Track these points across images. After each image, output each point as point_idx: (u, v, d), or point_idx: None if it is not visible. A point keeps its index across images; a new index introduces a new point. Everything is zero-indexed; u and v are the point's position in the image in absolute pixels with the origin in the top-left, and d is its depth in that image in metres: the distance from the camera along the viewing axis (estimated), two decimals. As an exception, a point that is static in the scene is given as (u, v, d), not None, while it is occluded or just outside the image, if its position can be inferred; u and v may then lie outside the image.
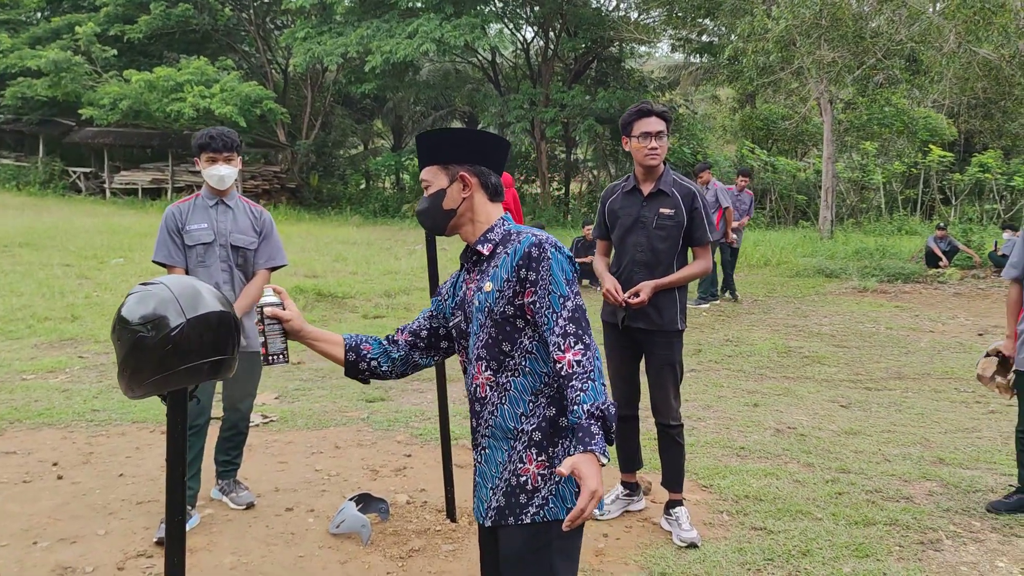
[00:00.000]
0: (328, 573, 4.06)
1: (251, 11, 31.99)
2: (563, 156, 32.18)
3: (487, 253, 2.47)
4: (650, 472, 5.24)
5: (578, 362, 2.27)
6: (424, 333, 2.68)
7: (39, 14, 33.73)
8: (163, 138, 29.36)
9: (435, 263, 4.56)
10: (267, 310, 2.51)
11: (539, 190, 30.49)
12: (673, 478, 4.59)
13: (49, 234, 17.32)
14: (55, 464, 5.48)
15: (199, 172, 4.67)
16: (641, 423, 4.88)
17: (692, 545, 4.33)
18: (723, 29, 26.38)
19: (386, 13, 26.33)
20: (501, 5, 29.18)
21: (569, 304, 2.32)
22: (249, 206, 4.80)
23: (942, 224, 17.31)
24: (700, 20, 26.84)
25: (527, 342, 2.41)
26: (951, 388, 7.82)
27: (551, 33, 29.56)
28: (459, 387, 6.81)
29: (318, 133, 32.32)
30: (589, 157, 34.37)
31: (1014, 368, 4.95)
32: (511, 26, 30.26)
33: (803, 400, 7.35)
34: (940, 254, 16.06)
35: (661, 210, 4.46)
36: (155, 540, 4.33)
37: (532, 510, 2.39)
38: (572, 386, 2.25)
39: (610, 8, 30.14)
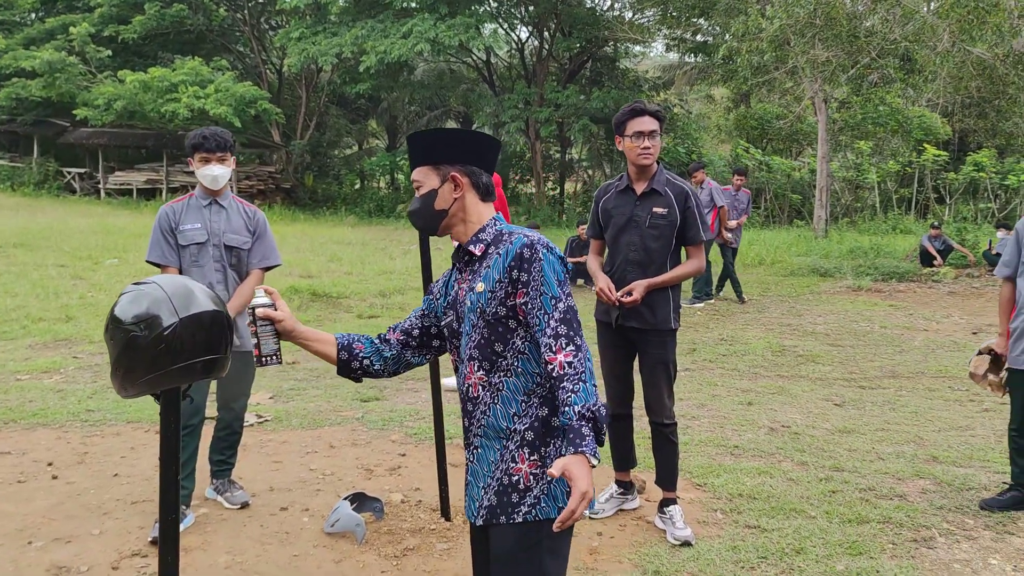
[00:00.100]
0: (323, 572, 4.07)
1: (246, 11, 31.96)
2: (558, 156, 32.24)
3: (479, 253, 2.48)
4: (644, 471, 5.25)
5: (569, 363, 2.27)
6: (416, 332, 2.68)
7: (33, 15, 33.69)
8: (158, 138, 29.32)
9: (429, 263, 4.56)
10: (259, 311, 2.51)
11: (534, 190, 30.52)
12: (667, 477, 4.60)
13: (44, 235, 17.30)
14: (50, 464, 5.47)
15: (193, 172, 4.68)
16: (635, 422, 4.89)
17: (686, 543, 4.34)
18: (717, 28, 26.43)
19: (380, 13, 26.33)
20: (496, 5, 29.20)
21: (560, 305, 2.33)
22: (243, 206, 4.80)
23: (936, 223, 17.35)
24: (694, 20, 26.86)
25: (519, 343, 2.42)
26: (945, 386, 7.84)
27: (546, 33, 29.59)
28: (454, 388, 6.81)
29: (313, 133, 32.31)
30: (584, 157, 34.44)
31: (1007, 366, 4.97)
32: (505, 26, 30.31)
33: (797, 399, 7.36)
34: (934, 253, 16.09)
35: (654, 209, 4.47)
36: (150, 539, 4.33)
37: (524, 509, 2.39)
38: (563, 387, 2.26)
39: (604, 8, 30.19)
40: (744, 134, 28.03)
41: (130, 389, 2.22)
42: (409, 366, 2.72)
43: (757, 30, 18.56)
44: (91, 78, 28.70)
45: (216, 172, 4.59)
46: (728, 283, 13.16)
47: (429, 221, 2.53)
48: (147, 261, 4.62)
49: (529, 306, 2.36)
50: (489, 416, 2.44)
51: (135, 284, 2.26)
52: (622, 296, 4.39)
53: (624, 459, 4.83)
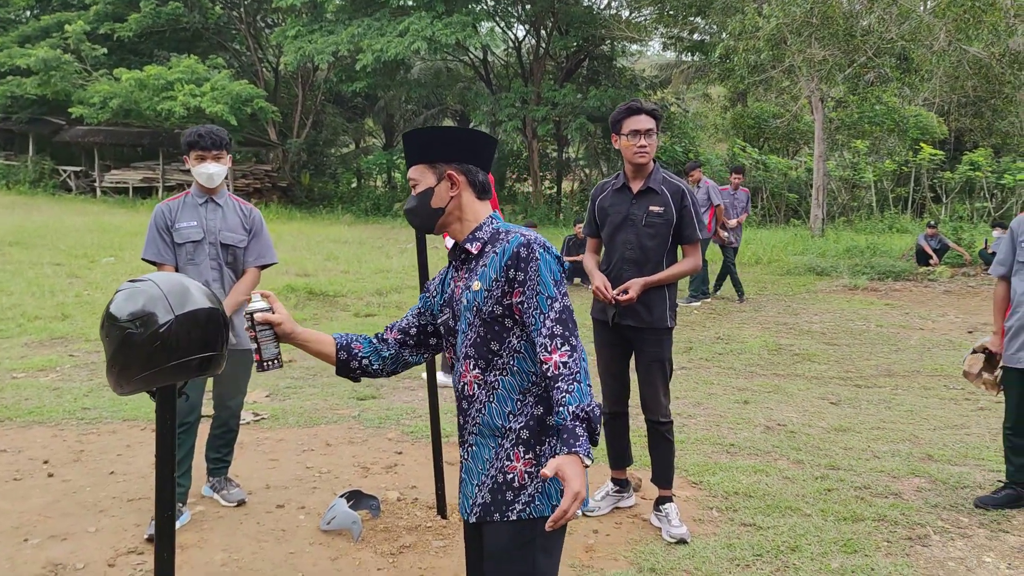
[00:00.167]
0: (319, 569, 4.07)
1: (242, 9, 31.90)
2: (555, 154, 32.22)
3: (475, 251, 2.48)
4: (640, 469, 5.25)
5: (564, 363, 2.28)
6: (413, 331, 2.68)
7: (29, 12, 33.63)
8: (153, 137, 29.29)
9: (426, 262, 4.56)
10: (257, 316, 2.50)
11: (531, 188, 30.51)
12: (663, 475, 4.61)
13: (39, 233, 17.28)
14: (46, 462, 5.47)
15: (189, 170, 4.67)
16: (631, 420, 4.90)
17: (682, 541, 4.35)
18: (714, 27, 26.41)
19: (377, 11, 26.30)
20: (492, 3, 29.19)
21: (556, 305, 2.33)
22: (239, 204, 4.80)
23: (932, 222, 17.35)
24: (691, 18, 26.86)
25: (515, 341, 2.42)
26: (940, 385, 7.86)
27: (542, 31, 29.57)
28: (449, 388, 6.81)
29: (309, 132, 32.26)
30: (581, 155, 34.43)
31: (1002, 364, 4.98)
32: (502, 24, 30.24)
33: (793, 397, 7.38)
34: (930, 252, 16.10)
35: (651, 208, 4.48)
36: (146, 537, 4.33)
37: (519, 507, 2.40)
38: (558, 387, 2.27)
39: (601, 6, 30.16)
40: (741, 133, 28.03)
41: (126, 386, 2.22)
42: (407, 365, 2.72)
43: (754, 29, 18.56)
44: (87, 76, 28.65)
45: (212, 170, 4.59)
46: (728, 281, 13.16)
47: (426, 219, 2.53)
48: (143, 259, 4.62)
49: (525, 305, 2.36)
50: (484, 414, 2.44)
51: (131, 281, 2.27)
52: (618, 294, 4.40)
53: (620, 457, 4.84)
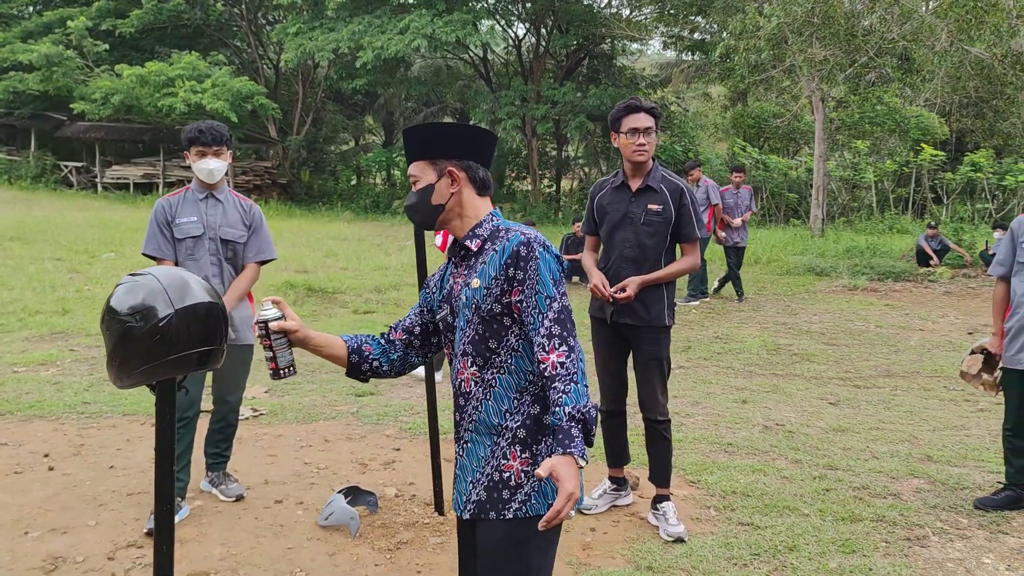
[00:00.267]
0: (316, 565, 4.08)
1: (243, 6, 31.91)
2: (554, 153, 32.20)
3: (475, 248, 2.47)
4: (637, 467, 5.26)
5: (561, 364, 2.28)
6: (417, 330, 2.67)
7: (31, 8, 33.63)
8: (154, 133, 29.27)
9: (424, 259, 4.57)
10: (273, 324, 2.46)
11: (530, 187, 30.50)
12: (660, 473, 4.61)
13: (40, 228, 17.28)
14: (46, 455, 5.48)
15: (190, 166, 4.68)
16: (629, 418, 4.91)
17: (679, 540, 4.35)
18: (715, 27, 26.42)
19: (377, 9, 26.30)
20: (493, 1, 29.16)
21: (555, 305, 2.33)
22: (239, 200, 4.81)
23: (933, 223, 17.35)
24: (692, 17, 26.83)
25: (514, 340, 2.41)
26: (940, 386, 7.86)
27: (543, 30, 29.55)
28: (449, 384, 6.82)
29: (309, 129, 32.28)
30: (580, 154, 34.40)
31: (1001, 365, 4.98)
32: (503, 22, 30.23)
33: (792, 397, 7.38)
34: (931, 253, 16.09)
35: (649, 206, 4.48)
36: (145, 531, 4.34)
37: (515, 506, 2.39)
38: (555, 388, 2.26)
39: (602, 5, 30.13)
40: (741, 132, 28.02)
41: (125, 379, 2.23)
42: (413, 366, 2.72)
43: (755, 28, 18.55)
44: (88, 72, 28.67)
45: (212, 166, 4.60)
46: (730, 283, 13.11)
47: (426, 216, 2.52)
48: (143, 254, 4.63)
49: (524, 304, 2.35)
50: (481, 412, 2.43)
51: (131, 275, 2.27)
52: (616, 292, 4.40)
53: (618, 455, 4.84)
